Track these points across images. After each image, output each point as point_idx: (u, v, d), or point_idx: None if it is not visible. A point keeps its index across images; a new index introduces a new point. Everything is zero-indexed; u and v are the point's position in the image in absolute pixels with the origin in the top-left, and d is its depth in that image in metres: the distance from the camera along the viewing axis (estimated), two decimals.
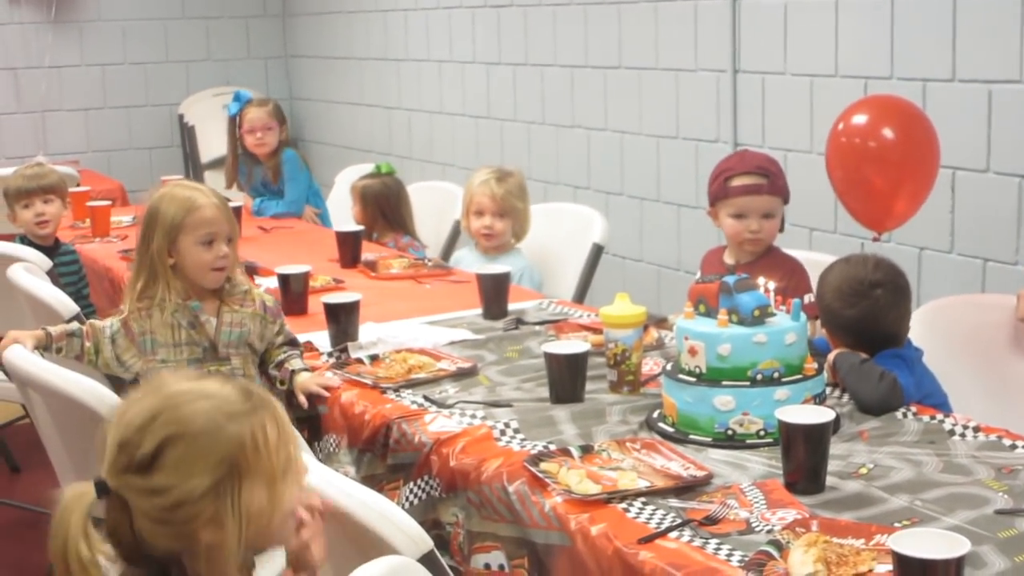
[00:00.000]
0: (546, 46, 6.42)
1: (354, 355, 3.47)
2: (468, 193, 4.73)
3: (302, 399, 3.26)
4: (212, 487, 1.84)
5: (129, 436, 1.86)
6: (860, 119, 3.66)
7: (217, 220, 3.34)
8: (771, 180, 3.53)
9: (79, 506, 1.83)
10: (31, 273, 4.14)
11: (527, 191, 4.76)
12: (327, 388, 3.26)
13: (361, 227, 5.08)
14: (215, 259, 3.34)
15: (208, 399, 1.89)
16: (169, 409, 1.87)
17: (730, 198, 3.54)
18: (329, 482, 2.23)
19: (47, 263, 4.54)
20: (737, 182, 3.54)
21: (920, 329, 3.30)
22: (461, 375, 3.29)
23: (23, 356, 3.16)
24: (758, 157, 3.66)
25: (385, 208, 5.44)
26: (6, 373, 3.31)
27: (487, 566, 2.62)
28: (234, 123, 6.32)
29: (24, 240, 5.06)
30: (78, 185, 6.51)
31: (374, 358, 3.45)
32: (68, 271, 5.02)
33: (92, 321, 3.46)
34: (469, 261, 4.70)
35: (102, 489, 1.86)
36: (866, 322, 3.01)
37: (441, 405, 3.05)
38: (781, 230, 3.63)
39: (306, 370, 3.36)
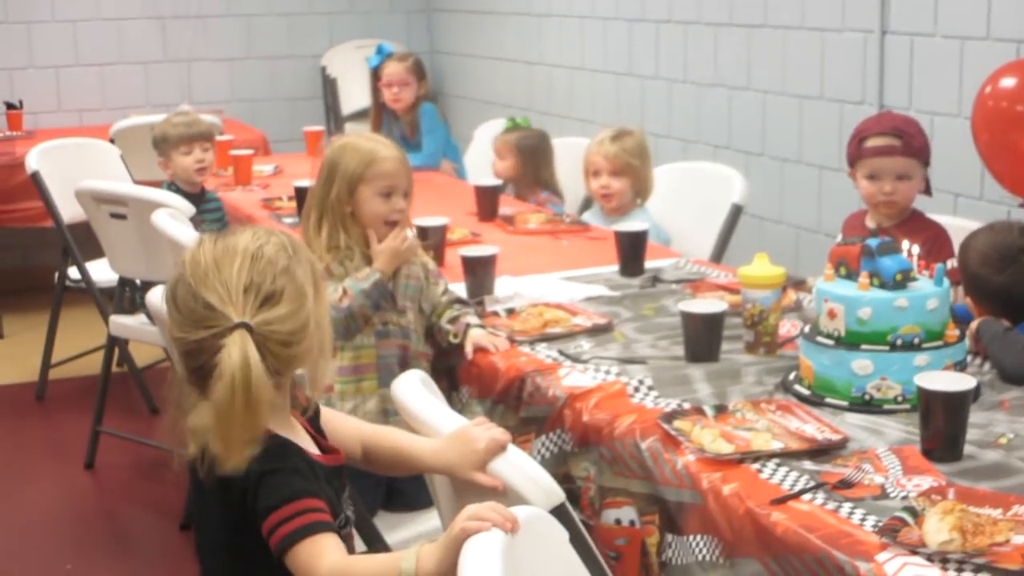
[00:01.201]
0: (690, 3, 6.35)
1: (490, 308, 3.49)
2: (586, 155, 4.74)
3: (468, 349, 3.23)
4: (310, 300, 2.11)
5: (249, 280, 2.06)
6: (1009, 82, 3.59)
7: (397, 173, 3.35)
8: (905, 141, 3.47)
9: (246, 341, 2.00)
10: (175, 219, 4.21)
11: (648, 150, 4.74)
12: (497, 348, 3.22)
13: (500, 182, 5.10)
14: (391, 211, 3.34)
15: (274, 235, 2.16)
16: (263, 247, 2.10)
17: (864, 159, 3.51)
18: None
19: (191, 209, 4.61)
20: (871, 143, 3.50)
21: None
22: (596, 331, 3.28)
23: None
24: (896, 118, 3.60)
25: (540, 161, 5.46)
26: (149, 317, 3.37)
27: (618, 521, 2.62)
28: (375, 76, 6.38)
29: (170, 187, 5.14)
30: (221, 134, 6.60)
31: (510, 311, 3.46)
32: (213, 218, 5.11)
33: None
34: (594, 224, 4.69)
35: (251, 330, 2.03)
36: (1015, 288, 2.95)
37: (575, 360, 3.05)
38: (928, 193, 3.57)
39: (480, 327, 3.33)
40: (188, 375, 2.09)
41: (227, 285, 2.05)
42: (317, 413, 2.31)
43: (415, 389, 2.43)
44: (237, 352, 1.98)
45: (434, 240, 3.97)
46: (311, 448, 2.17)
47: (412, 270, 3.39)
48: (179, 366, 2.13)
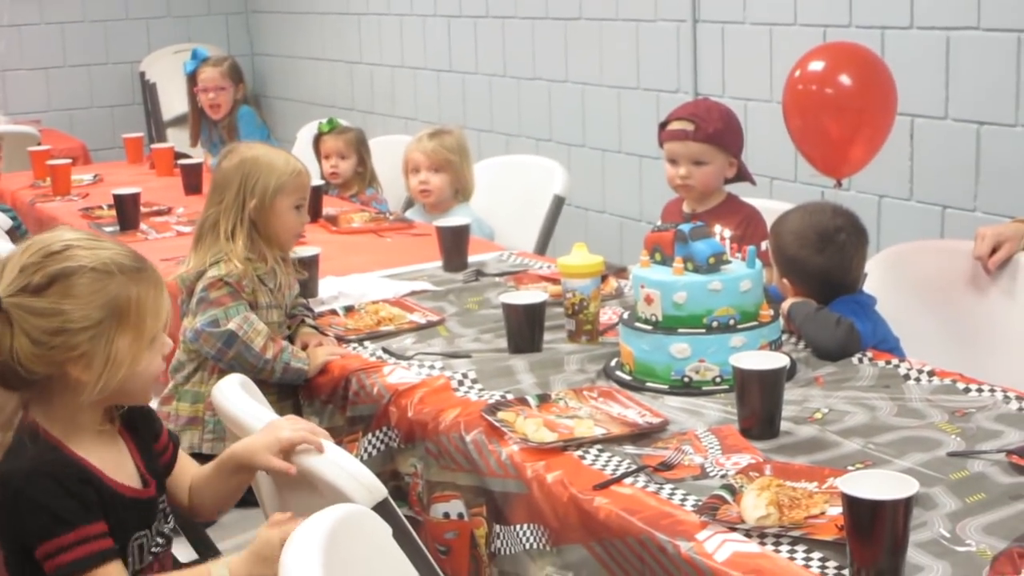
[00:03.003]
0: None
1: (319, 309, 3.47)
2: (405, 152, 4.75)
3: (313, 369, 3.15)
4: (94, 324, 2.02)
5: (30, 262, 2.02)
6: (817, 66, 3.65)
7: (308, 187, 3.38)
8: (698, 126, 3.53)
9: None
10: None
11: (467, 149, 4.75)
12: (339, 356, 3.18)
13: (323, 182, 5.07)
14: (301, 224, 3.34)
15: (107, 249, 2.08)
16: (71, 248, 2.05)
17: (664, 143, 3.59)
18: None
19: (7, 223, 4.51)
20: (669, 127, 3.59)
21: (879, 274, 3.32)
22: (428, 327, 3.28)
23: None
24: (699, 105, 3.66)
25: (369, 157, 5.42)
26: None
27: (446, 515, 2.63)
28: (192, 81, 6.32)
29: None
30: (39, 144, 6.48)
31: (348, 309, 3.45)
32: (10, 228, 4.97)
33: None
34: (417, 221, 4.69)
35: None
36: (834, 267, 3.01)
37: (400, 357, 3.05)
38: (750, 181, 3.62)
39: (314, 327, 3.33)
40: None
41: (13, 260, 2.03)
42: (176, 449, 2.30)
43: (234, 392, 2.41)
44: None
45: (312, 271, 3.72)
46: (117, 473, 2.12)
47: (290, 280, 3.37)
48: None
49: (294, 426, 2.26)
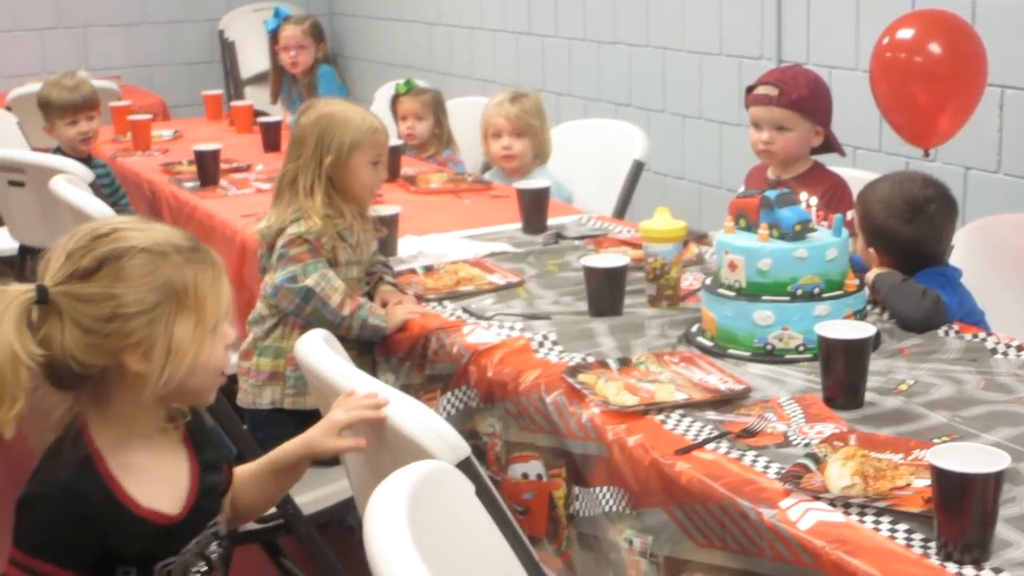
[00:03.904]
0: None
1: (399, 268, 3.47)
2: (484, 118, 4.73)
3: (392, 325, 3.14)
4: (150, 308, 1.91)
5: (77, 247, 1.92)
6: (906, 33, 3.61)
7: (386, 144, 3.37)
8: (783, 92, 3.48)
9: (16, 304, 1.88)
10: (74, 185, 4.14)
11: (544, 112, 4.74)
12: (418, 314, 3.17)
13: (401, 141, 5.06)
14: (378, 182, 3.34)
15: (157, 231, 1.97)
16: (119, 230, 1.94)
17: (749, 107, 3.55)
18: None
19: (89, 175, 4.54)
20: (755, 91, 3.55)
21: (965, 247, 3.28)
22: (501, 288, 3.28)
23: None
24: (786, 71, 3.62)
25: (446, 118, 5.41)
26: None
27: (525, 475, 2.63)
28: (273, 39, 6.34)
29: (58, 151, 5.06)
30: (119, 99, 6.52)
31: (428, 269, 3.46)
32: (103, 183, 5.02)
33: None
34: (495, 183, 4.68)
35: (42, 294, 1.90)
36: (922, 238, 2.97)
37: (480, 317, 3.04)
38: (838, 151, 3.58)
39: (393, 284, 3.34)
40: None
41: (59, 248, 1.94)
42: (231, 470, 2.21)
43: (317, 347, 2.41)
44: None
45: (392, 230, 3.71)
46: (154, 495, 1.99)
47: (369, 237, 3.37)
48: None
49: (348, 406, 2.20)
